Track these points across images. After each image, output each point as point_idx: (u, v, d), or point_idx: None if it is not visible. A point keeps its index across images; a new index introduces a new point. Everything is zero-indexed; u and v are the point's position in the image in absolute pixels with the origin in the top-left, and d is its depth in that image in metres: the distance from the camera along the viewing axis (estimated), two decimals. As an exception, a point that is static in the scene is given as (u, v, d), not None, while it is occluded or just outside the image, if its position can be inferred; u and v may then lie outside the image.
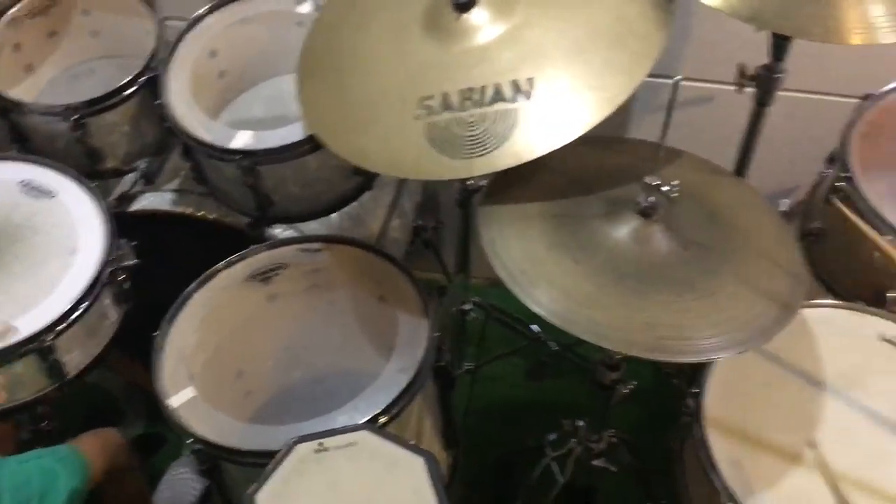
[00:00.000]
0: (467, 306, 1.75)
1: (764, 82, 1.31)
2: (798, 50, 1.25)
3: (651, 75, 1.05)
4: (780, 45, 1.26)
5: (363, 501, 0.98)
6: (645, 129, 1.82)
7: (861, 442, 1.10)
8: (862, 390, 1.15)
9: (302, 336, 1.36)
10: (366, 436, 1.01)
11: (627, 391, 1.28)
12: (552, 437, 1.45)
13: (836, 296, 1.34)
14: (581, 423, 1.41)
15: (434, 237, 1.83)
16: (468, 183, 1.41)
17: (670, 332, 0.98)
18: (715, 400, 1.12)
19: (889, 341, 1.18)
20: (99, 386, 1.83)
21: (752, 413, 1.12)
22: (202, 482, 1.46)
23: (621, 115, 1.78)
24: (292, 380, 1.34)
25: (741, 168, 1.46)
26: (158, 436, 1.74)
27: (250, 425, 1.19)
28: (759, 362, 1.16)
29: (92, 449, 1.26)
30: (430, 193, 1.88)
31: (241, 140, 1.29)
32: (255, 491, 0.96)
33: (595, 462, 1.42)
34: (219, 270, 1.30)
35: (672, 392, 1.23)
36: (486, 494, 1.67)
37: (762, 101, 1.35)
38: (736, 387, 1.14)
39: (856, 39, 1.07)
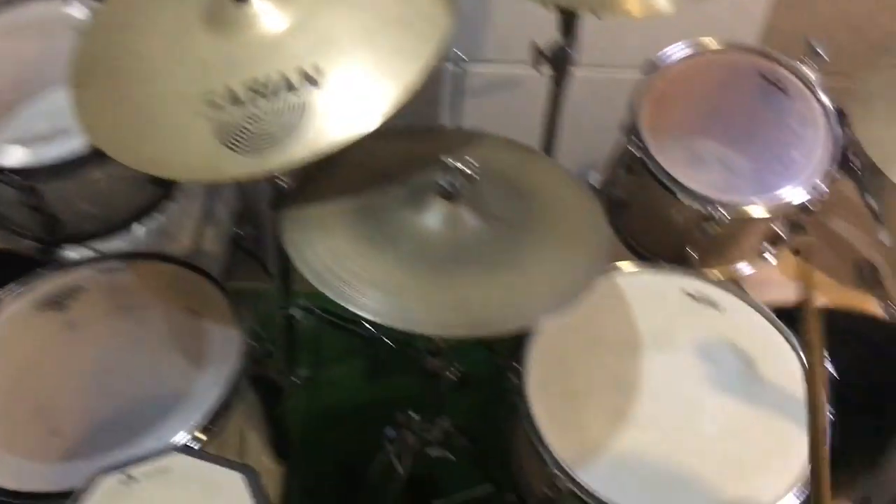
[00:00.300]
0: (295, 312, 1.69)
1: (558, 60, 1.35)
2: (592, 27, 1.29)
3: (449, 60, 1.05)
4: (568, 22, 1.29)
5: (182, 529, 0.91)
6: (454, 116, 1.83)
7: (678, 395, 1.15)
8: (673, 344, 1.20)
9: (108, 361, 1.25)
10: (178, 458, 0.94)
11: (455, 377, 1.28)
12: (390, 432, 1.43)
13: (642, 259, 1.39)
14: (414, 415, 1.39)
15: (254, 245, 1.76)
16: (278, 183, 1.36)
17: (483, 308, 0.98)
18: (536, 372, 1.13)
19: (691, 295, 1.24)
20: None
21: (575, 380, 1.15)
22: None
23: (425, 103, 1.79)
24: (102, 409, 1.24)
25: (547, 146, 1.50)
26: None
27: (58, 464, 1.09)
28: (576, 331, 1.19)
29: None
30: (247, 200, 1.81)
31: (14, 157, 1.17)
32: (58, 536, 0.88)
33: (433, 451, 1.41)
34: (-3, 302, 1.17)
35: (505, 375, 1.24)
36: (328, 500, 1.63)
37: (558, 79, 1.39)
38: (556, 357, 1.16)
39: (634, 12, 1.12)
